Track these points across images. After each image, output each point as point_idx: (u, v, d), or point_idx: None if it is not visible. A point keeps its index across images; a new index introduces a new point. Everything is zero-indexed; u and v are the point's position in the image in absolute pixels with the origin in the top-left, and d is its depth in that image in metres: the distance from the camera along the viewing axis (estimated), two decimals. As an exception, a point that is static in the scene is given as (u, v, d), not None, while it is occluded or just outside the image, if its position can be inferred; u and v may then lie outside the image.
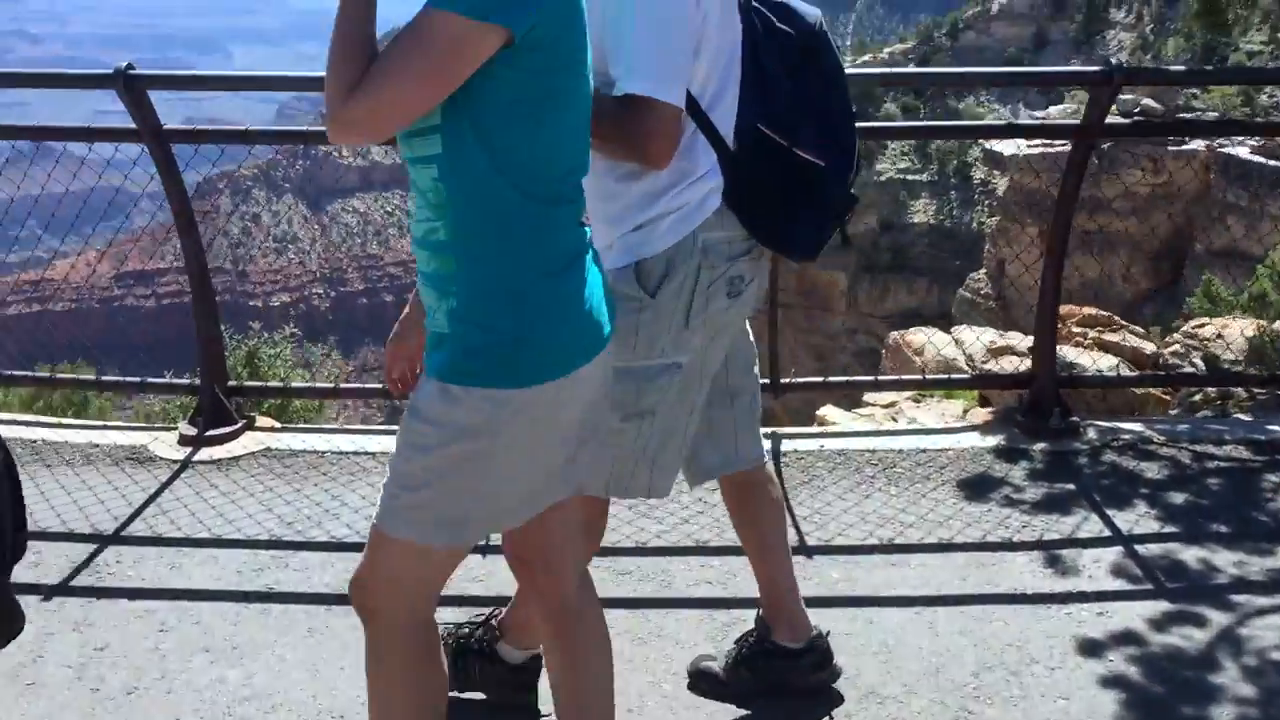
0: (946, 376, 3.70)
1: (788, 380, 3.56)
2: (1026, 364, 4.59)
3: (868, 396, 4.65)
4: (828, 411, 4.41)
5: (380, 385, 3.41)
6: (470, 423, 1.43)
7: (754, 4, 1.83)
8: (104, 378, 3.63)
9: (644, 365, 1.80)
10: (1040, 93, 48.94)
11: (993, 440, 3.47)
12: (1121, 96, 3.68)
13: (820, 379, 3.68)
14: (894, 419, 4.37)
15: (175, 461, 3.31)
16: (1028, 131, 3.46)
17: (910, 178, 47.51)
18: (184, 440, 3.40)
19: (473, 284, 1.43)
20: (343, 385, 4.04)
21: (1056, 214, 3.29)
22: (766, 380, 3.60)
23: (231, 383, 3.56)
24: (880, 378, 3.76)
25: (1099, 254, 28.90)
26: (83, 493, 3.13)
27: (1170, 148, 30.26)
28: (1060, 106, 33.42)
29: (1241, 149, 29.29)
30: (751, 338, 2.15)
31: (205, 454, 3.36)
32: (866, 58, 56.29)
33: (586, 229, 1.56)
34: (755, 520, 2.22)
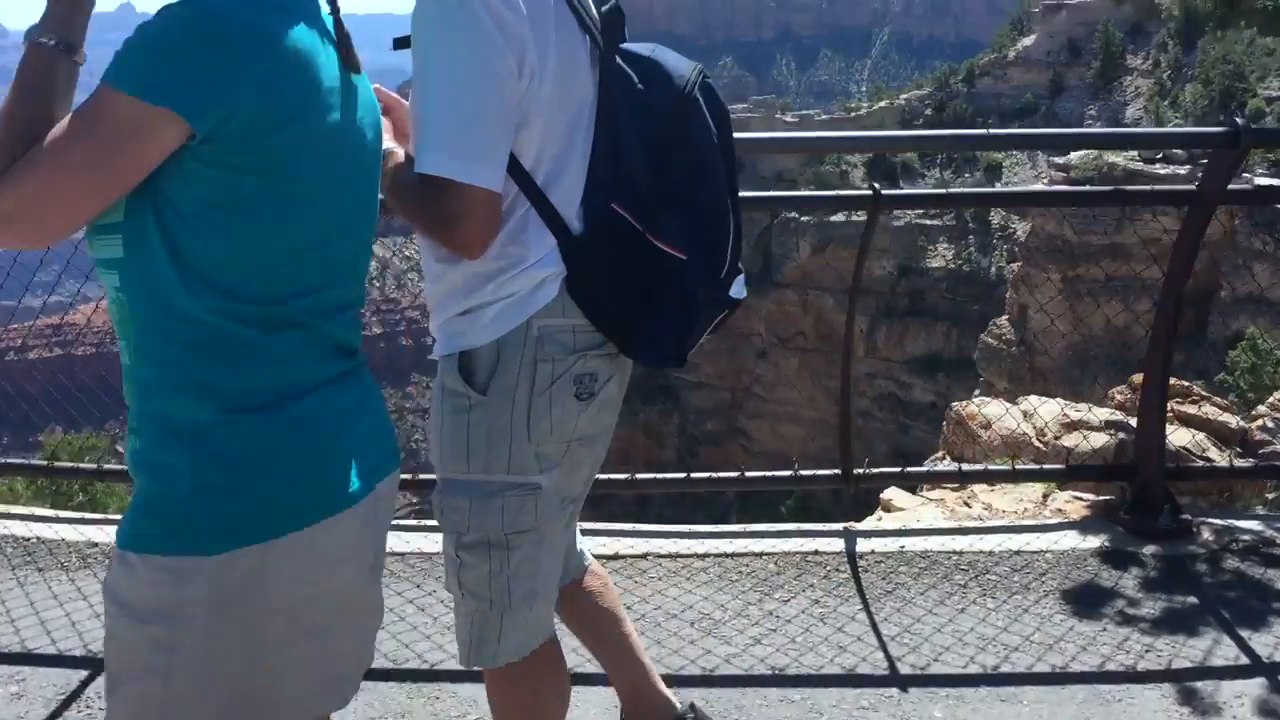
0: (1038, 468, 3.33)
1: (861, 471, 3.20)
2: (1102, 439, 4.23)
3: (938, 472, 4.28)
4: (894, 495, 4.03)
5: (411, 475, 3.07)
6: (149, 601, 1.11)
7: (617, 61, 1.49)
8: (105, 466, 3.30)
9: (481, 479, 1.49)
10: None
11: (1095, 541, 3.09)
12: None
13: (898, 469, 3.33)
14: (966, 503, 3.99)
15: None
16: (1139, 198, 3.14)
17: (928, 222, 47.39)
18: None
19: (151, 419, 1.14)
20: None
21: (1166, 290, 2.94)
22: (838, 470, 3.26)
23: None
24: (965, 468, 3.39)
25: (1122, 300, 28.60)
26: (77, 603, 2.78)
27: (1193, 193, 29.99)
28: (1080, 153, 33.21)
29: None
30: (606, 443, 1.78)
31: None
32: (883, 103, 56.57)
33: (341, 359, 1.25)
34: (585, 616, 1.92)
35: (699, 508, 28.59)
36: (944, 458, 5.00)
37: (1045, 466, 3.33)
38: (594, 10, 1.51)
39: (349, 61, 1.24)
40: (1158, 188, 3.37)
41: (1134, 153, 31.34)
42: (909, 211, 45.83)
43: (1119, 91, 52.72)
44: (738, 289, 1.60)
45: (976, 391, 35.16)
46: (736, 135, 1.54)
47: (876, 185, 2.86)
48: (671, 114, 1.47)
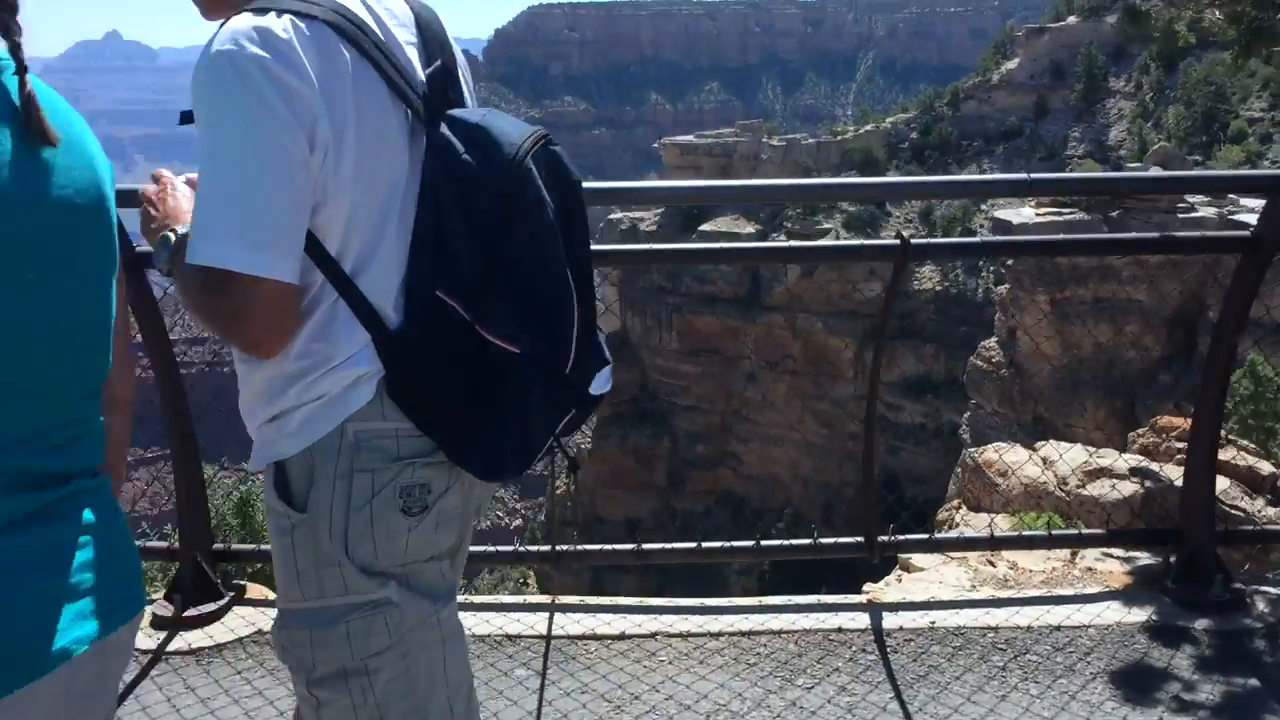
0: (1076, 533, 3.09)
1: (885, 539, 2.97)
2: (1130, 488, 4.01)
3: (956, 524, 4.05)
4: (914, 557, 3.79)
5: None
6: None
7: (442, 130, 1.30)
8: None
9: (319, 606, 1.28)
10: (1043, 161, 49.18)
11: (1141, 614, 2.86)
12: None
13: (925, 535, 3.09)
14: (990, 562, 3.76)
15: (146, 653, 2.70)
16: (1187, 245, 2.95)
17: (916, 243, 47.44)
18: (158, 623, 2.80)
19: None
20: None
21: (1215, 341, 2.73)
22: (861, 538, 3.02)
23: (218, 545, 2.96)
24: (997, 535, 3.15)
25: (1111, 322, 28.62)
26: (27, 702, 2.51)
27: (1180, 215, 30.09)
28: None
29: (1250, 215, 29.11)
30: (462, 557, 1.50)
31: (182, 641, 2.75)
32: (869, 126, 56.86)
33: (38, 491, 1.01)
34: None
35: (688, 531, 28.25)
36: (959, 507, 4.78)
37: (1085, 532, 3.09)
38: (418, 74, 1.31)
39: (36, 131, 1.00)
40: (1209, 233, 3.18)
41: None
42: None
43: (1102, 114, 53.08)
44: (600, 384, 1.38)
45: (966, 414, 35.04)
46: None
47: (904, 234, 2.65)
48: (501, 187, 1.27)
